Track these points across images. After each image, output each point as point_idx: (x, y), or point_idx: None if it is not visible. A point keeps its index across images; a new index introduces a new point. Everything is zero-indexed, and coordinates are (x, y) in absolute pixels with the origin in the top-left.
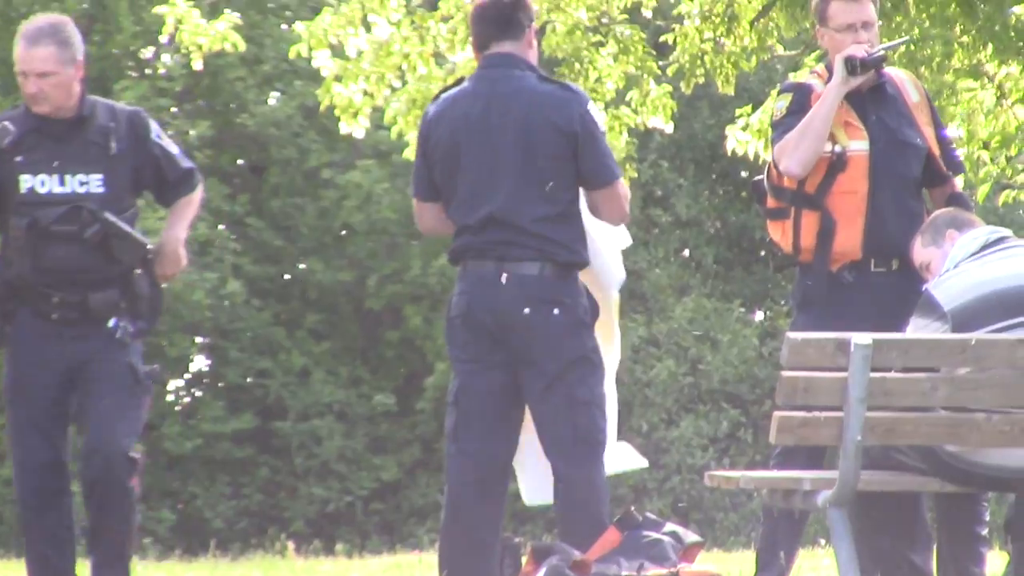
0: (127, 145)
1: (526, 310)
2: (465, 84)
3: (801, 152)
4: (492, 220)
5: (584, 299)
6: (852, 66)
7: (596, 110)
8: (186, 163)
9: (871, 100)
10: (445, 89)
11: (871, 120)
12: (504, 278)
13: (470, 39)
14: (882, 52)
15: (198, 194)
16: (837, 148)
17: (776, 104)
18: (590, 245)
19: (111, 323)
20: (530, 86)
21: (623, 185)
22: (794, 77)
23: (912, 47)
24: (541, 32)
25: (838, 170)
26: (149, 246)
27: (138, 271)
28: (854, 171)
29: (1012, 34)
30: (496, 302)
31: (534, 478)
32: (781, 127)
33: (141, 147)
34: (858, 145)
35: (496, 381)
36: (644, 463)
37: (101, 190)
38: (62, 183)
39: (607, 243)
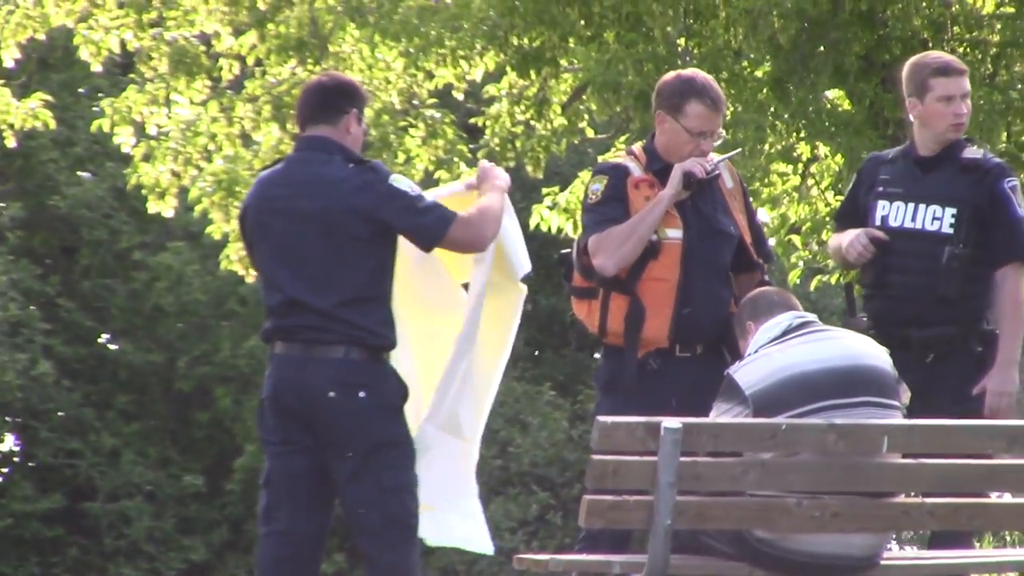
0: None
1: (331, 393)
2: (278, 166)
3: (622, 254)
4: (295, 304)
5: (394, 382)
6: (689, 182)
7: (401, 180)
8: None
9: None
10: (264, 168)
11: (687, 207)
12: (309, 361)
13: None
14: (719, 167)
15: None
16: (653, 237)
17: (591, 186)
18: (502, 232)
19: None
20: (331, 172)
21: (464, 222)
22: (603, 159)
23: (725, 131)
24: None
25: (651, 257)
26: None
27: None
28: (667, 259)
29: (824, 119)
30: (302, 385)
31: (438, 519)
32: (596, 213)
33: None
34: (673, 233)
35: (305, 464)
36: (489, 550)
37: None
38: None
39: (514, 233)
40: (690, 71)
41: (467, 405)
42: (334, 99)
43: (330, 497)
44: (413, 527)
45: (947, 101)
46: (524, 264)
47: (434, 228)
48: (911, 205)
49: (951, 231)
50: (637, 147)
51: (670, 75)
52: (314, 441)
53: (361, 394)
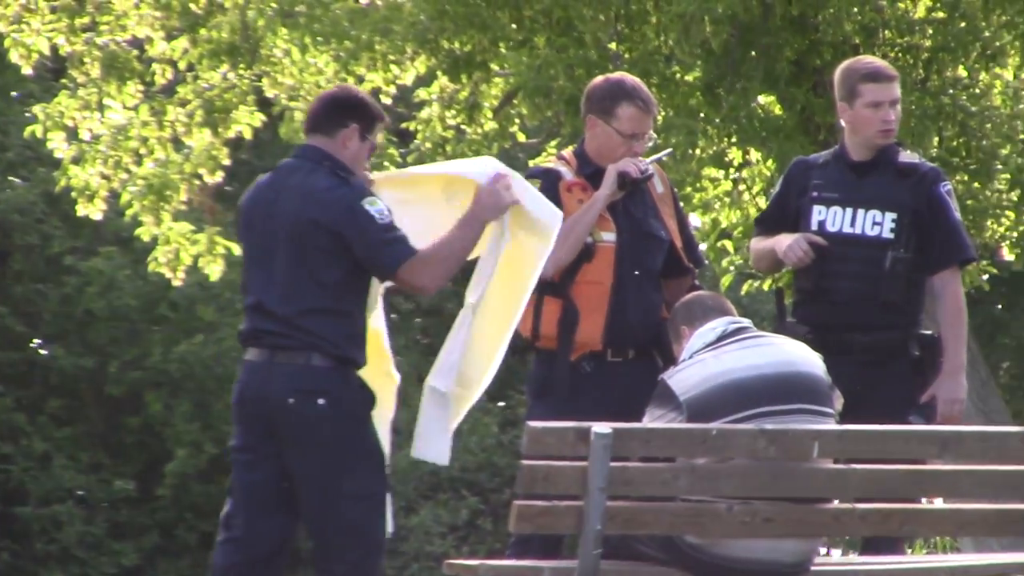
0: None
1: (290, 400)
2: (273, 171)
3: (557, 257)
4: (262, 308)
5: (357, 391)
6: (623, 182)
7: (376, 203)
8: None
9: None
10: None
11: (618, 211)
12: (273, 367)
13: None
14: (651, 168)
15: None
16: (588, 240)
17: None
18: (520, 192)
19: None
20: (312, 181)
21: (420, 263)
22: (534, 163)
23: (657, 136)
24: (279, 119)
25: (584, 260)
26: None
27: None
28: (600, 262)
29: (756, 123)
30: (264, 390)
31: (427, 435)
32: None
33: None
34: (607, 236)
35: (267, 471)
36: (444, 461)
37: None
38: None
39: (532, 192)
40: (618, 74)
41: (466, 357)
42: (336, 112)
43: (293, 506)
44: (371, 538)
45: (876, 107)
46: (556, 212)
47: (387, 261)
48: (849, 210)
49: (892, 236)
50: (568, 152)
51: (599, 79)
52: (277, 448)
53: (320, 401)
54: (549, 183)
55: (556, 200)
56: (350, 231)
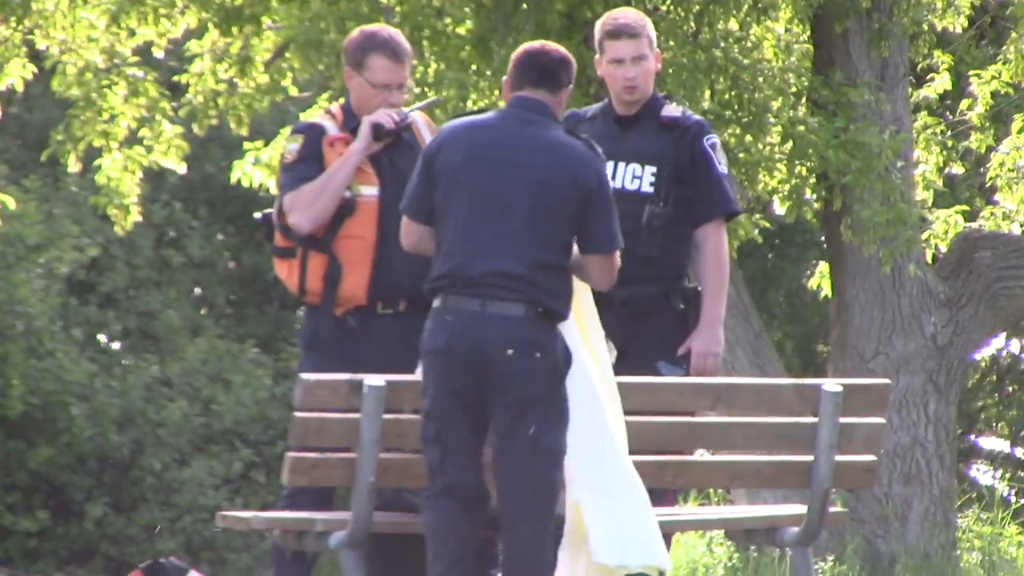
0: None
1: (509, 351)
2: (490, 115)
3: (315, 211)
4: (481, 255)
5: (563, 347)
6: (378, 134)
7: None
8: None
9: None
10: (463, 114)
11: (383, 164)
12: (487, 317)
13: (505, 80)
14: (411, 117)
15: None
16: (348, 194)
17: (288, 146)
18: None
19: None
20: (556, 136)
21: (618, 256)
22: (305, 116)
23: (426, 90)
24: (52, 72)
25: (346, 214)
26: None
27: None
28: (363, 216)
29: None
30: (479, 340)
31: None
32: (292, 172)
33: None
34: (369, 191)
35: (472, 421)
36: (667, 567)
37: None
38: None
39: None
40: (374, 26)
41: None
42: (558, 68)
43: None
44: (556, 497)
45: (617, 64)
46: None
47: (612, 241)
48: (610, 164)
49: (651, 190)
50: (335, 106)
51: (354, 32)
52: (481, 395)
53: (537, 355)
54: (312, 138)
55: (319, 155)
56: (596, 197)
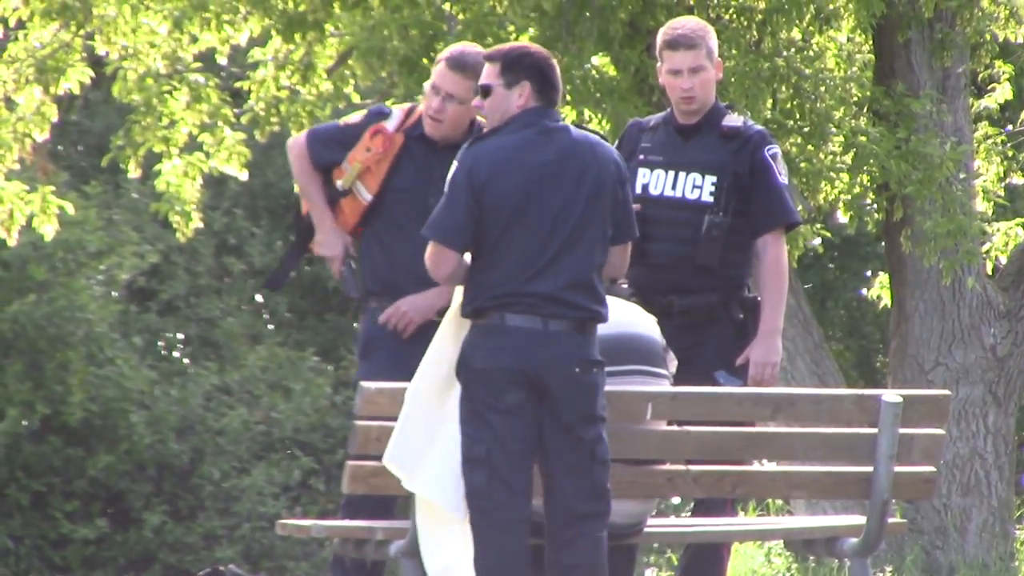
0: None
1: (576, 369)
2: (522, 133)
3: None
4: (542, 275)
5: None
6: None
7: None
8: None
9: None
10: (480, 138)
11: (401, 170)
12: (550, 335)
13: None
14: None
15: None
16: (340, 183)
17: (351, 116)
18: None
19: None
20: (582, 135)
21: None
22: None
23: None
24: (112, 79)
25: (339, 197)
26: None
27: None
28: (344, 215)
29: (590, 85)
30: (544, 358)
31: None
32: (322, 130)
33: None
34: (364, 193)
35: (531, 434)
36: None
37: None
38: None
39: None
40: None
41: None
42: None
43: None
44: (609, 505)
45: (675, 75)
46: None
47: (634, 229)
48: (671, 173)
49: (711, 199)
50: (421, 107)
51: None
52: (537, 413)
53: (595, 370)
54: (367, 121)
55: (354, 141)
56: (623, 189)
